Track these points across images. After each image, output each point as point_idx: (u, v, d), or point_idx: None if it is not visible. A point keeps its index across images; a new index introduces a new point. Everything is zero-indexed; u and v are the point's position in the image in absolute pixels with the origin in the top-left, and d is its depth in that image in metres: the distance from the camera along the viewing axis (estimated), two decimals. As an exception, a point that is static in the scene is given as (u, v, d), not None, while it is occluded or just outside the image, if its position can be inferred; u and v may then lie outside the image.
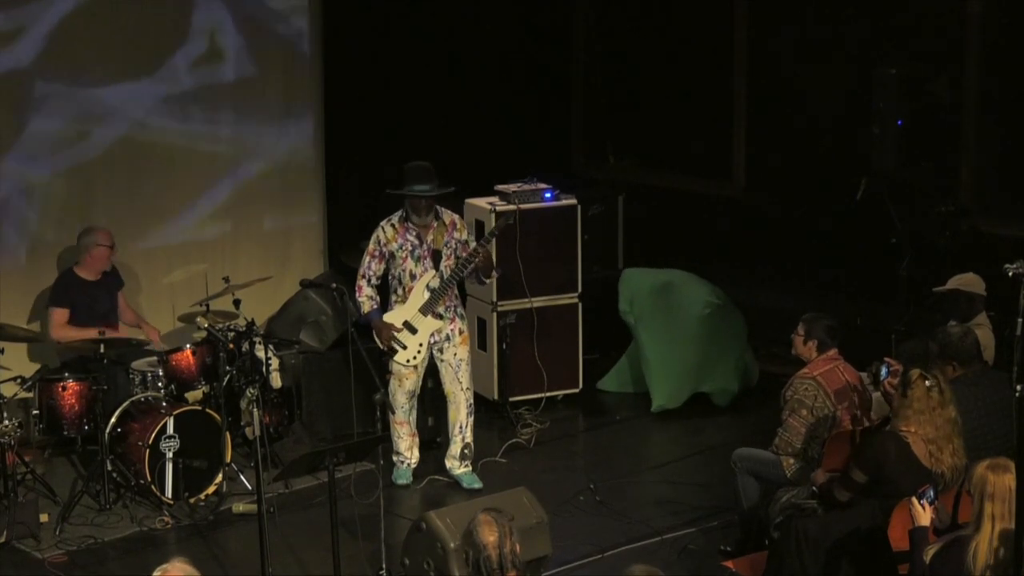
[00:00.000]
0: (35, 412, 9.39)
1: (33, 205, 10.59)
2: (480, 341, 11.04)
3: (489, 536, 6.22)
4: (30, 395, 9.48)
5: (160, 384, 9.59)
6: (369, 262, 9.55)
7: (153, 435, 9.22)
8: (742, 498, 8.60)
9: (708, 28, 12.78)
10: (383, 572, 8.14)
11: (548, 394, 11.13)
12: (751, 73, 12.57)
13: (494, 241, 10.08)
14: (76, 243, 10.19)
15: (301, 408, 10.32)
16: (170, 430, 9.26)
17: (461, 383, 9.65)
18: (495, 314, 10.98)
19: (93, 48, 10.69)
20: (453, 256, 9.54)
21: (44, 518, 9.11)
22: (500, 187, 11.11)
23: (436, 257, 9.51)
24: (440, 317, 9.53)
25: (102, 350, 9.45)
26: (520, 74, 13.24)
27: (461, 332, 9.62)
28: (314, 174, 11.91)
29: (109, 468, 9.29)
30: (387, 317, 9.55)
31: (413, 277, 9.49)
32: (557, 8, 13.60)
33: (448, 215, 9.63)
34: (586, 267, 11.39)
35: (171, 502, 9.31)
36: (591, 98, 13.77)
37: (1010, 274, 7.88)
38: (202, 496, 9.42)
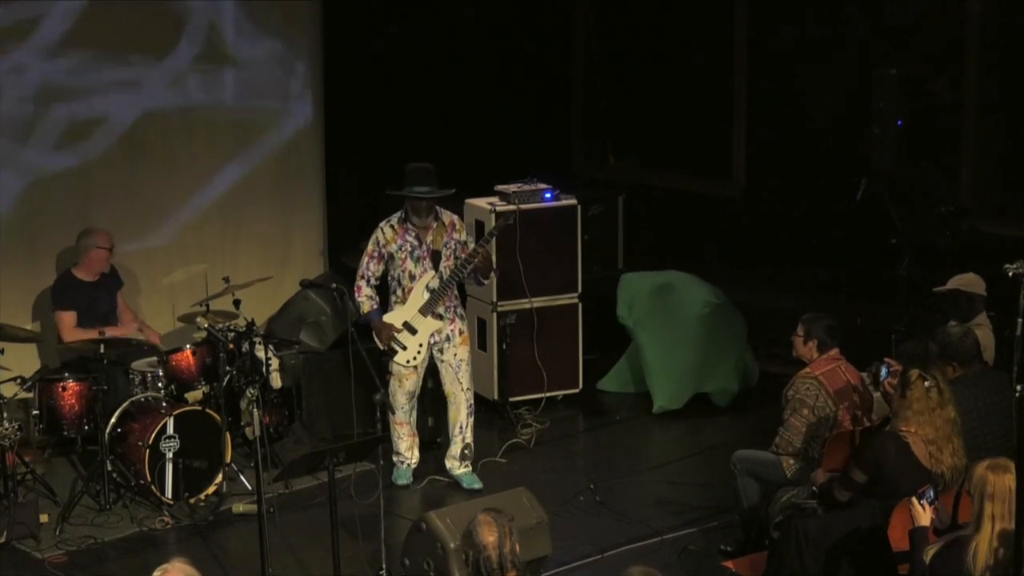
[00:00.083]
0: (35, 412, 9.39)
1: (33, 205, 10.59)
2: (480, 341, 11.03)
3: (489, 536, 6.21)
4: (30, 395, 9.47)
5: (160, 384, 9.59)
6: (368, 263, 9.54)
7: (153, 435, 9.21)
8: (742, 498, 8.59)
9: (708, 28, 12.78)
10: (383, 572, 8.14)
11: (548, 394, 11.12)
12: (751, 73, 12.57)
13: (494, 241, 10.08)
14: (75, 244, 10.19)
15: (301, 408, 10.31)
16: (170, 430, 9.26)
17: (461, 383, 9.65)
18: (495, 314, 10.98)
19: (93, 49, 10.68)
20: (452, 257, 9.53)
21: (44, 518, 9.10)
22: (500, 187, 11.10)
23: (435, 258, 9.51)
24: (440, 317, 9.53)
25: (102, 350, 9.46)
26: (520, 74, 13.23)
27: (461, 332, 9.62)
28: (314, 174, 11.91)
29: (109, 468, 9.29)
30: (387, 318, 9.55)
31: (412, 278, 9.49)
32: (557, 8, 13.59)
33: (447, 216, 9.62)
34: (586, 267, 11.37)
35: (171, 502, 9.30)
36: (591, 98, 13.76)
37: (1010, 274, 7.88)
38: (202, 496, 9.42)
